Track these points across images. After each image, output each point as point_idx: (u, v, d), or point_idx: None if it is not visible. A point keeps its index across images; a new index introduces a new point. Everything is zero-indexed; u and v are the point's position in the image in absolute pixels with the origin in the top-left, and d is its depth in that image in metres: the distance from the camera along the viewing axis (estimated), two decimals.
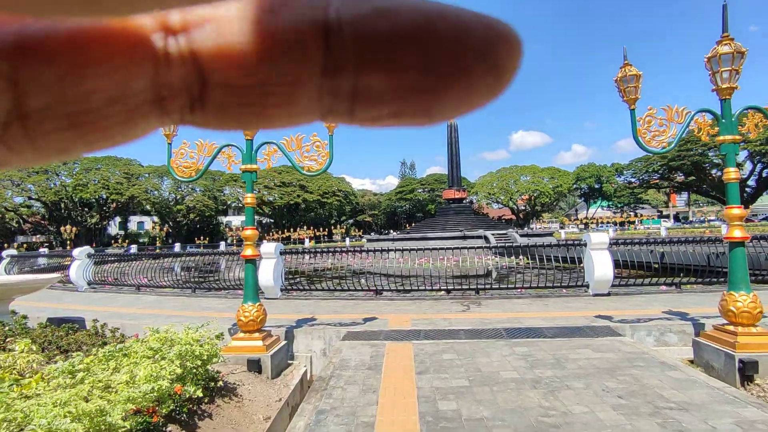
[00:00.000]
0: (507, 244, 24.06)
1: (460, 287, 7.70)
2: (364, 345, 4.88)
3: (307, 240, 55.01)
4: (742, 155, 54.40)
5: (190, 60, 0.15)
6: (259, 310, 4.73)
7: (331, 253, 8.16)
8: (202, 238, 55.54)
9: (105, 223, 58.96)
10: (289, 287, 8.42)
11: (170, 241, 61.07)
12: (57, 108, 0.15)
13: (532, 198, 65.84)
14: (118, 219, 63.37)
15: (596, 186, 70.01)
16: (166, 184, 61.29)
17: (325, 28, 0.15)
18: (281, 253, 8.44)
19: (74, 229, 41.94)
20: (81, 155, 0.17)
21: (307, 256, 8.77)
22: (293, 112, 0.17)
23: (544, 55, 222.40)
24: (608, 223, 61.43)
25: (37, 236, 54.20)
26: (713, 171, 56.53)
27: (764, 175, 55.39)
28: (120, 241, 52.25)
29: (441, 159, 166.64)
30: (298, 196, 66.23)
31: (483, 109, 0.17)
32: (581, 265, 7.62)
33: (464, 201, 33.08)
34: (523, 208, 69.22)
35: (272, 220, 70.42)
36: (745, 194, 56.71)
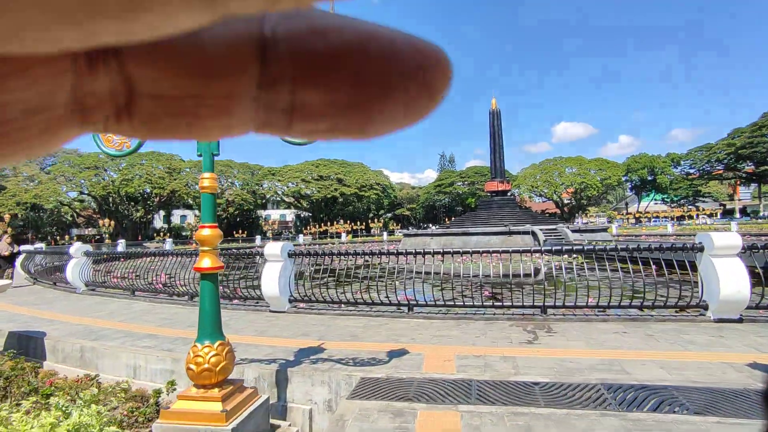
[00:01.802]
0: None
1: (520, 305, 5.72)
2: (383, 413, 3.07)
3: (344, 234, 54.00)
4: None
5: (117, 70, 0.15)
6: (220, 353, 3.04)
7: (356, 256, 6.23)
8: (240, 231, 56.01)
9: (150, 216, 60.45)
10: (300, 298, 6.73)
11: None
12: None
13: (578, 191, 61.85)
14: (162, 213, 64.96)
15: (649, 178, 64.90)
16: None
17: (261, 43, 0.15)
18: (291, 255, 6.77)
19: (111, 222, 42.56)
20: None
21: (327, 259, 6.93)
22: (227, 124, 0.16)
23: (590, 46, 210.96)
24: (665, 217, 56.64)
25: (89, 229, 56.15)
26: None
27: None
28: (162, 234, 53.19)
29: (480, 152, 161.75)
30: (335, 189, 65.60)
31: (422, 123, 0.17)
32: (677, 272, 5.50)
33: (508, 193, 30.56)
34: (568, 201, 65.28)
35: (310, 214, 70.28)
36: None
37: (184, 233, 62.78)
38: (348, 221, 64.16)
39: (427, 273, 6.81)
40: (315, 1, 0.14)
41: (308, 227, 63.44)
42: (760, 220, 49.35)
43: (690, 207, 62.04)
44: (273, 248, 6.65)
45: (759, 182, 58.90)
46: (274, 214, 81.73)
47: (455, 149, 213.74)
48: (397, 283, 11.67)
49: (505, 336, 4.91)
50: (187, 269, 8.13)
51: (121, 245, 32.17)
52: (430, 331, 5.26)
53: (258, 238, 47.66)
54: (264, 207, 73.29)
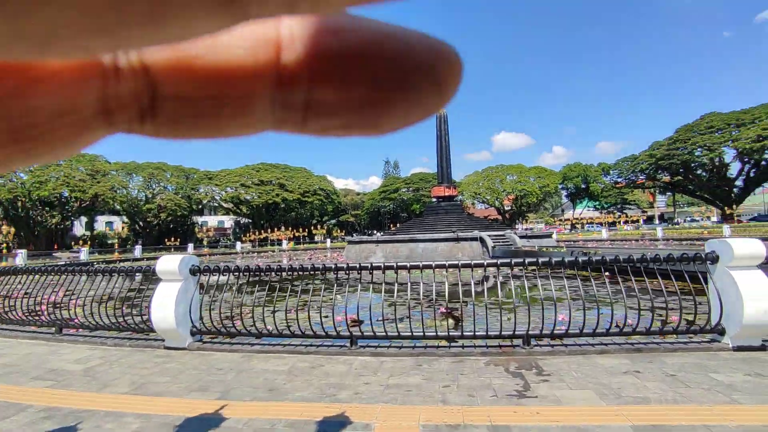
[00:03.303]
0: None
1: (496, 334, 4.40)
2: None
3: (285, 241, 51.42)
4: (730, 154, 53.07)
5: (140, 73, 0.15)
6: None
7: (283, 272, 4.61)
8: (173, 239, 51.81)
9: (68, 223, 54.57)
10: (207, 329, 5.01)
11: (139, 242, 57.16)
12: None
13: (519, 198, 63.63)
14: (84, 219, 59.06)
15: (583, 186, 68.22)
16: (135, 182, 57.52)
17: (278, 43, 0.15)
18: (194, 272, 5.05)
19: (11, 229, 37.37)
20: (23, 168, 0.17)
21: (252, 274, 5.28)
22: (246, 123, 0.17)
23: (528, 63, 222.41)
24: (598, 223, 59.47)
25: None
26: (698, 171, 55.14)
27: (752, 175, 54.10)
28: (82, 242, 47.76)
29: (426, 160, 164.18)
30: (277, 195, 62.88)
31: (426, 120, 0.18)
32: (671, 285, 4.50)
33: (455, 199, 29.98)
34: (509, 208, 66.98)
35: (250, 220, 66.89)
36: (732, 194, 55.43)
37: (109, 241, 57.36)
38: (290, 228, 61.59)
39: (375, 283, 5.39)
40: (331, 9, 0.14)
41: (248, 234, 60.16)
42: (677, 226, 53.10)
43: (619, 213, 65.83)
44: (168, 263, 4.89)
45: (673, 191, 63.63)
46: (212, 220, 77.16)
47: (399, 155, 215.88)
48: (339, 297, 10.16)
49: (484, 383, 3.55)
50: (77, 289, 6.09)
51: (20, 257, 27.86)
52: (380, 378, 3.79)
53: (190, 246, 44.04)
54: (201, 213, 69.07)
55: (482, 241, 21.81)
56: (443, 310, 7.68)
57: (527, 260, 4.57)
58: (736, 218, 51.58)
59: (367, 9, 0.15)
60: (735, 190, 55.55)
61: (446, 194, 28.53)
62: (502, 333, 4.35)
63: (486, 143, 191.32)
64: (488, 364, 4.04)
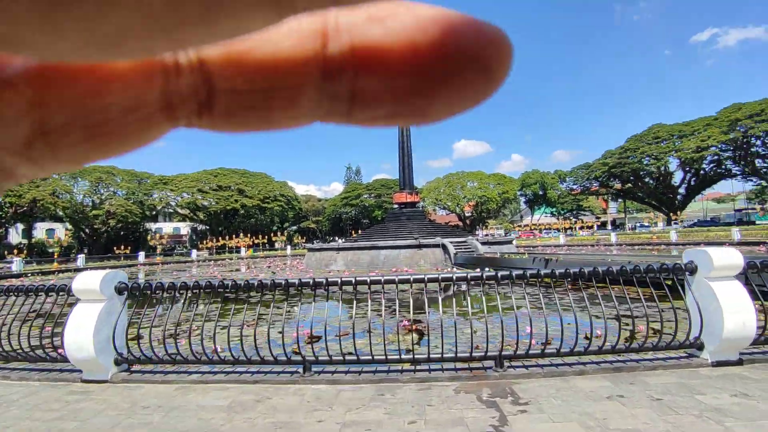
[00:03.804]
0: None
1: (466, 355, 3.97)
2: None
3: (243, 248, 49.68)
4: (674, 164, 56.22)
5: (198, 69, 0.16)
6: None
7: (226, 290, 3.95)
8: (123, 247, 48.90)
9: (2, 231, 50.60)
10: (135, 357, 4.30)
11: (84, 250, 53.73)
12: (77, 122, 0.16)
13: (479, 204, 64.71)
14: (21, 226, 55.02)
15: (540, 192, 70.31)
16: (80, 186, 54.18)
17: (324, 35, 0.16)
18: (121, 291, 4.33)
19: None
20: (98, 161, 0.18)
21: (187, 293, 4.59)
22: (295, 114, 0.17)
23: None
24: (556, 229, 61.28)
25: None
26: (646, 179, 58.11)
27: (692, 183, 57.53)
28: (17, 251, 44.11)
29: (387, 167, 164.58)
30: (236, 200, 61.00)
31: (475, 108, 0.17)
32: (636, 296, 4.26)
33: (417, 205, 29.80)
34: (469, 214, 67.99)
35: (207, 227, 64.43)
36: (676, 201, 58.67)
37: (50, 250, 53.57)
38: (249, 235, 59.69)
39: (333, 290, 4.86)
40: None
41: (205, 241, 57.81)
42: (628, 232, 55.58)
43: (575, 219, 68.23)
44: (87, 281, 4.15)
45: (624, 198, 66.73)
46: (167, 227, 73.90)
47: (362, 162, 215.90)
48: (297, 309, 9.51)
49: (455, 417, 3.10)
50: None
51: None
52: (336, 413, 3.27)
53: (141, 254, 41.62)
54: (155, 219, 65.95)
55: (444, 247, 21.65)
56: (406, 323, 7.24)
57: (512, 273, 4.19)
58: (680, 223, 54.49)
59: None
60: (678, 197, 58.87)
61: (408, 200, 28.30)
62: (473, 354, 3.93)
63: (447, 150, 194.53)
64: (458, 391, 3.60)
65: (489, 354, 3.91)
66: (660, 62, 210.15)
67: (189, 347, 4.20)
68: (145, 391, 3.96)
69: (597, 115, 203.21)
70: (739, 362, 3.89)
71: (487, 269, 17.48)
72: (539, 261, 15.57)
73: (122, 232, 57.65)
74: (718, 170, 55.31)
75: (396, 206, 29.96)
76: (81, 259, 35.26)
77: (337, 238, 61.87)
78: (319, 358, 4.05)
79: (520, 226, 69.78)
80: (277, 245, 60.34)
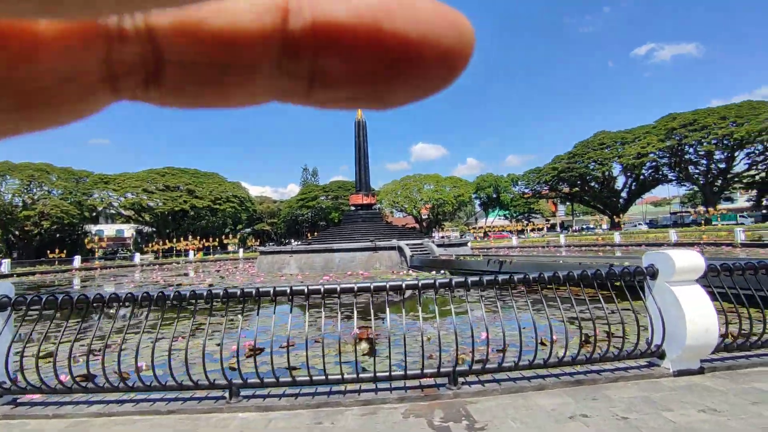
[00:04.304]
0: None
1: (417, 372, 3.54)
2: None
3: (192, 252, 47.30)
4: (617, 169, 59.29)
5: (146, 37, 0.15)
6: None
7: (148, 303, 3.26)
8: (57, 251, 45.14)
9: None
10: (22, 388, 3.54)
11: (14, 254, 49.43)
12: (6, 89, 0.14)
13: (435, 207, 65.40)
14: None
15: (494, 195, 72.06)
16: (9, 185, 49.83)
17: (285, 9, 0.15)
18: (4, 306, 3.55)
19: None
20: (30, 134, 0.16)
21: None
22: (251, 92, 0.16)
23: None
24: (509, 231, 62.89)
25: None
26: (592, 183, 60.93)
27: (633, 187, 60.93)
28: None
29: (345, 169, 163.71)
30: (185, 201, 58.16)
31: (430, 98, 0.17)
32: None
33: (373, 207, 29.43)
34: (426, 216, 68.57)
35: (154, 229, 61.03)
36: (619, 205, 61.88)
37: None
38: (200, 237, 57.05)
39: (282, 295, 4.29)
40: None
41: (151, 244, 54.62)
42: (576, 233, 57.97)
43: (526, 222, 70.40)
44: None
45: (572, 201, 69.68)
46: (109, 229, 69.38)
47: (319, 163, 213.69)
48: (240, 317, 8.77)
49: None
50: None
51: None
52: None
53: (77, 258, 38.50)
54: (95, 221, 61.75)
55: (400, 250, 21.37)
56: (357, 332, 6.81)
57: (467, 280, 3.79)
58: (622, 226, 57.43)
59: None
60: (621, 200, 62.11)
61: (364, 202, 27.87)
62: (425, 371, 3.50)
63: (405, 153, 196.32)
64: (407, 414, 3.15)
65: (442, 370, 3.49)
66: (605, 73, 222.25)
67: (102, 369, 3.50)
68: (30, 429, 3.24)
69: (548, 122, 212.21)
70: (701, 371, 3.70)
71: (442, 272, 17.35)
72: (494, 263, 15.57)
73: (58, 235, 53.55)
74: (656, 176, 58.85)
75: (352, 208, 29.46)
76: (6, 265, 32.08)
77: (293, 241, 60.48)
78: (249, 380, 3.48)
79: (474, 228, 71.10)
80: (229, 248, 58.08)
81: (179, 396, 3.59)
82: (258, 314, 3.86)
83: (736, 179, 54.57)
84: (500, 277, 3.54)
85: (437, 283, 3.47)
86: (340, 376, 3.44)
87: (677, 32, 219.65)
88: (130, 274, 29.10)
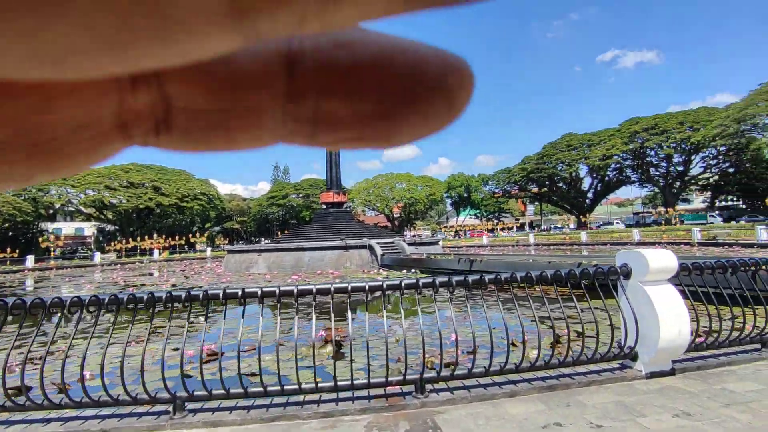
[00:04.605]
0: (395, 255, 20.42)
1: (381, 379, 3.29)
2: None
3: (157, 251, 45.54)
4: (584, 170, 60.98)
5: (155, 87, 0.15)
6: None
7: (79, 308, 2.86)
8: (9, 250, 42.49)
9: None
10: None
11: None
12: (19, 140, 0.15)
13: (407, 205, 65.51)
14: None
15: (465, 195, 72.80)
16: None
17: (289, 57, 0.15)
18: None
19: None
20: (45, 181, 0.17)
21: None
22: (257, 135, 0.17)
23: None
24: (480, 230, 63.67)
25: None
26: (560, 184, 62.48)
27: (599, 188, 62.85)
28: None
29: (317, 167, 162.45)
30: (151, 199, 55.98)
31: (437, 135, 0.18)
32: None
33: (344, 205, 29.06)
34: (398, 215, 68.61)
35: (117, 227, 58.51)
36: (585, 205, 63.68)
37: None
38: (165, 235, 55.06)
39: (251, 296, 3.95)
40: (341, 26, 0.14)
41: (113, 243, 52.28)
42: (544, 232, 59.30)
43: (496, 221, 71.50)
44: None
45: (540, 201, 71.25)
46: (68, 227, 66.11)
47: (291, 161, 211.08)
48: (203, 319, 8.30)
49: None
50: None
51: None
52: None
53: (29, 258, 36.31)
54: (53, 219, 58.72)
55: (371, 248, 21.13)
56: (322, 334, 6.51)
57: (435, 280, 3.57)
58: (589, 225, 59.11)
59: (377, 23, 0.15)
60: (587, 201, 63.93)
61: (335, 200, 27.46)
62: (389, 378, 3.25)
63: (377, 152, 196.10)
64: (370, 427, 2.90)
65: (408, 377, 3.26)
66: (572, 77, 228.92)
67: (40, 380, 3.08)
68: None
69: (518, 123, 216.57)
70: (672, 372, 3.61)
71: (413, 271, 17.22)
72: (464, 262, 15.53)
73: (10, 233, 50.59)
74: (620, 177, 60.83)
75: (323, 206, 29.00)
76: None
77: (263, 239, 59.33)
78: (195, 393, 3.14)
79: (446, 227, 71.64)
80: (198, 247, 56.30)
81: (116, 413, 3.21)
82: (224, 317, 3.54)
83: (693, 181, 57.12)
84: (470, 278, 3.33)
85: (403, 284, 3.23)
86: (297, 386, 3.15)
87: (640, 40, 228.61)
88: (89, 274, 27.72)
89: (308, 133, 0.17)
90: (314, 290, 3.30)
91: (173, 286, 17.08)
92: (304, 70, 0.16)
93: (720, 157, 52.92)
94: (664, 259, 3.48)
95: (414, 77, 0.16)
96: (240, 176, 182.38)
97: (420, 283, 3.25)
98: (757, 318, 3.92)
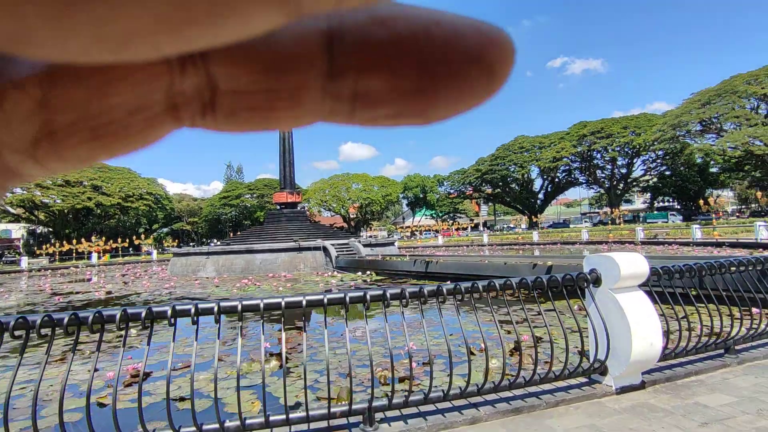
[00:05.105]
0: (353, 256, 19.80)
1: (324, 412, 2.77)
2: None
3: (95, 254, 42.36)
4: (535, 171, 63.04)
5: (202, 70, 0.16)
6: None
7: None
8: None
9: None
10: None
11: None
12: (82, 123, 0.16)
13: (363, 206, 65.08)
14: None
15: (421, 195, 73.28)
16: None
17: (328, 35, 0.16)
18: None
19: None
20: (102, 161, 0.18)
21: None
22: (298, 114, 0.17)
23: None
24: (435, 230, 64.25)
25: None
26: (512, 185, 64.25)
27: (549, 189, 65.22)
28: None
29: (272, 167, 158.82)
30: (90, 198, 52.09)
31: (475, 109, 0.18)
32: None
33: (298, 206, 28.17)
34: (354, 216, 68.02)
35: (50, 229, 54.09)
36: (536, 206, 65.86)
37: None
38: (105, 238, 51.42)
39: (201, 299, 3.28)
40: (377, 0, 0.14)
41: (45, 246, 48.18)
42: (497, 232, 60.74)
43: (452, 221, 72.47)
44: None
45: (494, 201, 73.00)
46: None
47: (245, 160, 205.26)
48: (134, 332, 7.41)
49: None
50: None
51: None
52: None
53: None
54: None
55: (325, 250, 20.48)
56: (267, 345, 5.93)
57: (386, 292, 3.06)
58: (540, 225, 61.09)
59: None
60: (538, 201, 66.12)
61: (289, 200, 26.54)
62: (332, 410, 2.74)
63: (334, 152, 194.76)
64: None
65: (355, 407, 2.76)
66: (525, 81, 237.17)
67: None
68: None
69: (472, 125, 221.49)
70: (642, 385, 3.34)
71: (368, 273, 16.75)
72: (420, 263, 15.23)
73: None
74: (569, 178, 63.37)
75: (277, 207, 27.96)
76: None
77: (215, 241, 56.86)
78: None
79: (402, 227, 71.78)
80: (144, 249, 53.01)
81: None
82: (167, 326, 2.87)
83: (635, 183, 60.45)
84: (426, 288, 2.88)
85: (347, 298, 2.72)
86: (218, 426, 2.57)
87: (587, 48, 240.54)
88: (13, 281, 25.22)
89: (348, 111, 0.17)
90: (262, 306, 2.73)
91: (108, 293, 15.69)
92: (344, 49, 0.16)
93: (658, 161, 56.33)
94: (635, 264, 3.19)
95: (452, 50, 0.16)
96: (192, 175, 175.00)
97: (367, 296, 2.75)
98: (714, 319, 3.74)
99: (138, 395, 2.61)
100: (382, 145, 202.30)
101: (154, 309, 2.69)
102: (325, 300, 2.70)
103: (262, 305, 2.72)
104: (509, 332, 5.60)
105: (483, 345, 3.80)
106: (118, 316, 2.60)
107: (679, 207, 60.58)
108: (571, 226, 62.19)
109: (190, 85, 0.16)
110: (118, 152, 0.17)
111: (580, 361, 3.19)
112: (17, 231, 60.19)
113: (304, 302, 2.74)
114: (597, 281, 3.29)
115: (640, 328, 3.09)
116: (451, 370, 2.97)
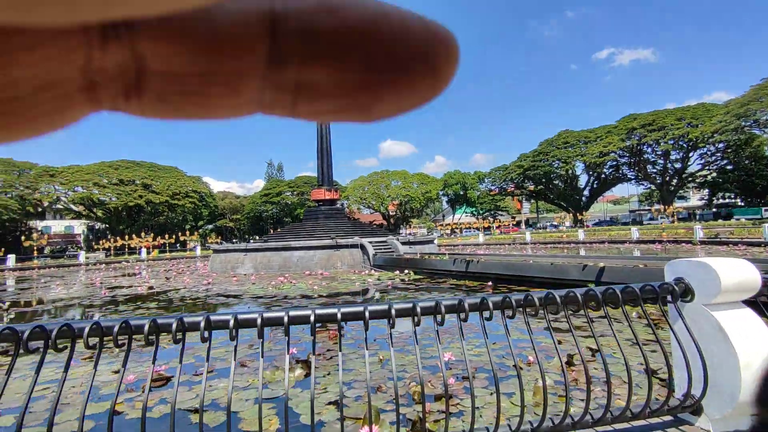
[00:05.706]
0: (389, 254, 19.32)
1: None
2: None
3: (145, 250, 44.28)
4: (580, 167, 60.15)
5: (127, 44, 0.14)
6: None
7: None
8: None
9: None
10: None
11: None
12: None
13: (403, 203, 64.53)
14: None
15: (461, 193, 71.82)
16: None
17: (272, 19, 0.15)
18: None
19: None
20: (5, 144, 0.16)
21: None
22: (235, 104, 0.16)
23: None
24: (476, 228, 62.76)
25: None
26: (556, 181, 61.61)
27: (595, 185, 62.07)
28: None
29: (312, 165, 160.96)
30: (141, 196, 54.65)
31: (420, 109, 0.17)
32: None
33: (336, 203, 27.99)
34: (393, 213, 67.60)
35: (107, 225, 57.14)
36: (581, 203, 62.88)
37: None
38: (155, 234, 53.74)
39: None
40: None
41: (102, 241, 50.97)
42: (540, 230, 58.48)
43: (492, 219, 70.64)
44: None
45: (536, 199, 70.40)
46: (57, 225, 64.64)
47: (287, 158, 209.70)
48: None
49: None
50: None
51: None
52: None
53: (10, 258, 34.95)
54: (41, 217, 57.24)
55: (363, 248, 20.11)
56: (294, 351, 5.59)
57: (416, 307, 2.52)
58: (585, 224, 58.33)
59: None
60: (583, 198, 63.12)
61: (327, 197, 26.39)
62: None
63: (374, 150, 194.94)
64: None
65: None
66: (568, 74, 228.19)
67: None
68: None
69: (514, 120, 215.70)
70: None
71: (406, 272, 16.20)
72: (460, 262, 14.53)
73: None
74: (617, 174, 60.02)
75: (315, 204, 27.93)
76: None
77: (255, 237, 58.19)
78: None
79: (441, 225, 70.73)
80: (189, 245, 55.02)
81: None
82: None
83: (690, 179, 56.37)
84: (491, 300, 2.30)
85: (393, 311, 2.19)
86: None
87: (636, 38, 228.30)
88: (71, 274, 26.60)
89: (288, 104, 0.16)
90: (286, 320, 2.26)
91: (150, 288, 16.02)
92: (287, 34, 0.15)
93: (718, 154, 52.20)
94: (740, 272, 2.46)
95: (399, 45, 0.15)
96: (236, 174, 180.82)
97: (417, 309, 2.21)
98: None
99: (143, 410, 2.21)
100: (421, 143, 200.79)
101: (160, 321, 2.28)
102: (367, 314, 2.17)
103: (286, 319, 2.24)
104: (560, 341, 4.93)
105: (530, 358, 3.19)
106: (146, 328, 2.20)
107: (742, 204, 55.90)
108: (620, 223, 58.92)
109: (113, 62, 0.14)
110: (23, 134, 0.15)
111: (667, 397, 2.50)
112: (78, 227, 64.09)
113: (339, 315, 2.24)
114: (687, 294, 2.59)
115: (751, 357, 2.37)
116: (496, 379, 2.38)
